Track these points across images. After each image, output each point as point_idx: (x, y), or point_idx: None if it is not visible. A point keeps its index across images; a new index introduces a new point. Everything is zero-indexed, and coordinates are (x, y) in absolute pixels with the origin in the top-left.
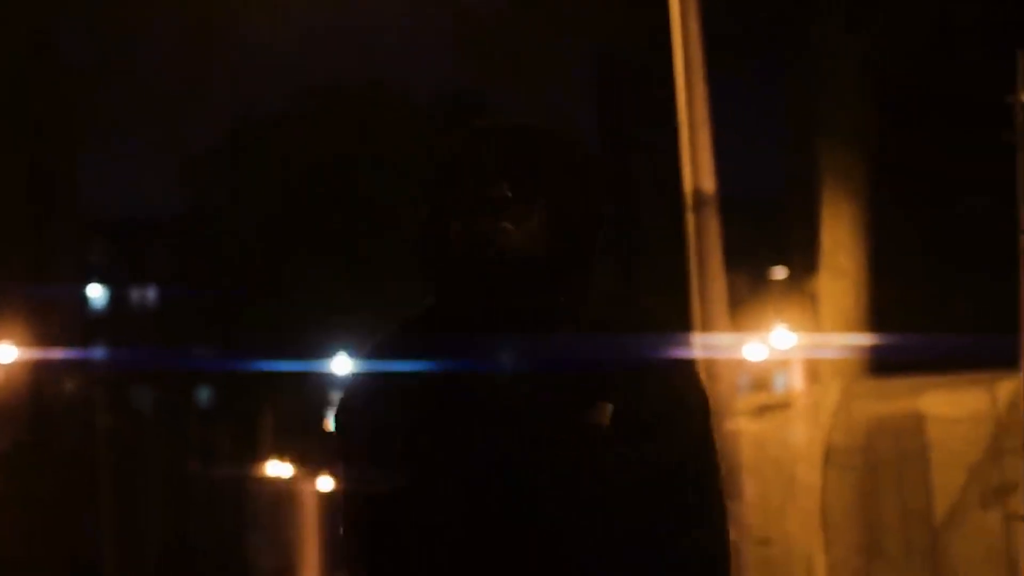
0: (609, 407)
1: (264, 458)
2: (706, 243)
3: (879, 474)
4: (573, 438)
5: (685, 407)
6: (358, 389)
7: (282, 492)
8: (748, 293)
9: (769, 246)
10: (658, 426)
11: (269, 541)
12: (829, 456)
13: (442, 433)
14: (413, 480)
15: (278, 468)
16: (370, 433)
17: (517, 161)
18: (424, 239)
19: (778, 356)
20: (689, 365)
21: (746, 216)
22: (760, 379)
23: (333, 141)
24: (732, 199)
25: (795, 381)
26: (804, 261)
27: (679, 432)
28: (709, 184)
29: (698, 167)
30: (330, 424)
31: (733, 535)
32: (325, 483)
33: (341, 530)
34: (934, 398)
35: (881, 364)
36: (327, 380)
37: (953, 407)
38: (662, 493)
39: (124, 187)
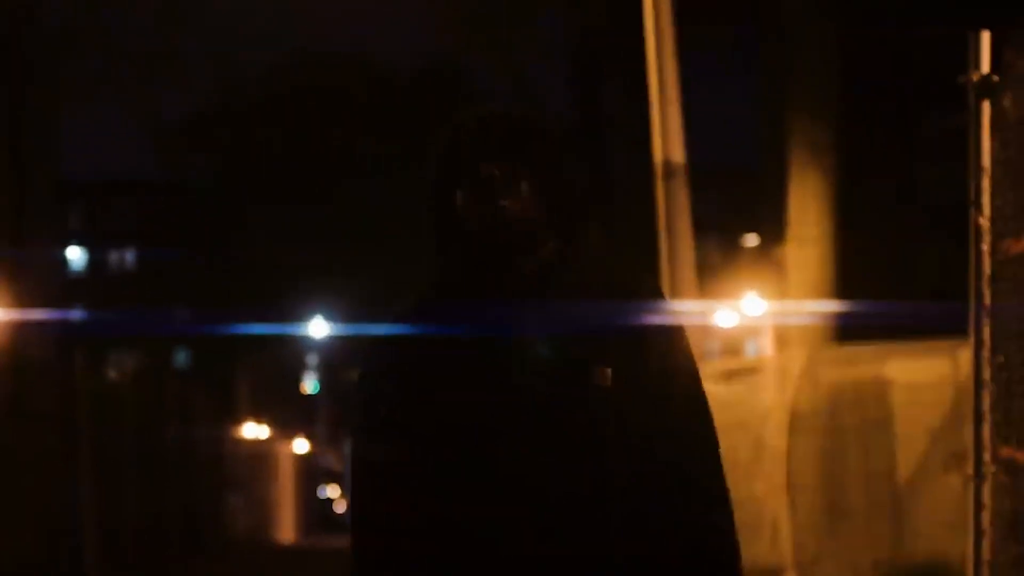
0: (609, 371)
1: (241, 420)
2: (675, 212)
3: (844, 438)
4: (580, 399)
5: (675, 369)
6: (377, 359)
7: (259, 453)
8: (721, 260)
9: (744, 214)
10: (652, 387)
11: (246, 501)
12: (794, 420)
13: (457, 397)
14: (428, 448)
15: (255, 430)
16: (389, 401)
17: (505, 144)
18: (434, 216)
19: (749, 322)
20: (679, 330)
21: (722, 185)
22: (732, 345)
23: (311, 108)
24: (709, 168)
25: (765, 347)
26: (775, 230)
27: (671, 392)
28: (678, 155)
29: (668, 138)
30: (306, 388)
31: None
32: (300, 445)
33: (349, 490)
34: (898, 364)
35: (846, 331)
36: (303, 343)
37: (916, 373)
38: (658, 449)
39: (102, 151)
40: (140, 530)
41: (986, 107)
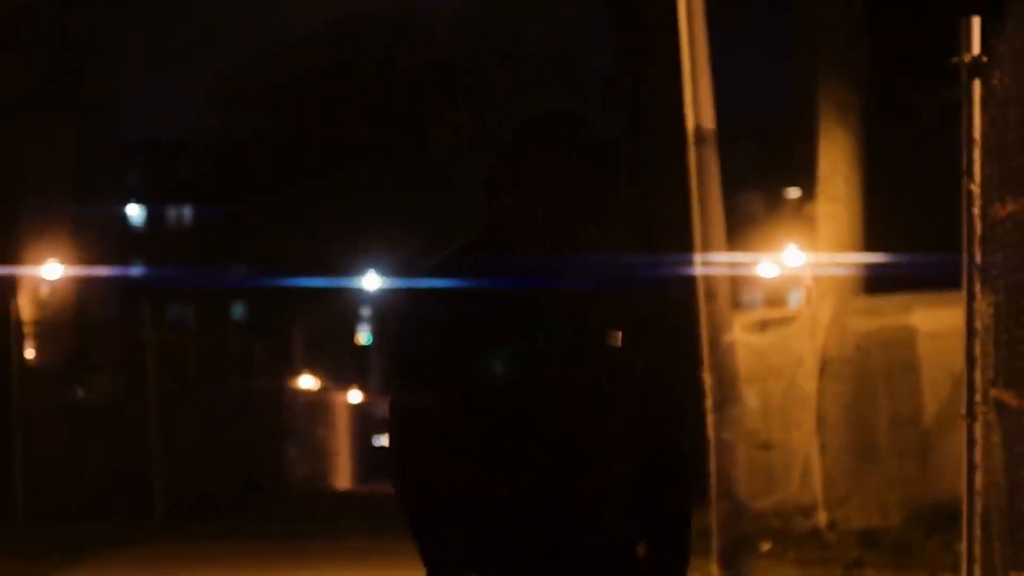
0: (620, 334)
1: (297, 372)
2: (706, 176)
3: (871, 383)
4: (598, 358)
5: (667, 328)
6: (417, 307)
7: (315, 404)
8: (764, 213)
9: (787, 168)
10: (650, 344)
11: (303, 450)
12: (824, 367)
13: (489, 348)
14: (462, 394)
15: (310, 381)
16: (427, 349)
17: (552, 144)
18: (492, 188)
19: (789, 273)
20: (669, 304)
21: (767, 139)
22: (776, 295)
23: (360, 67)
24: (753, 124)
25: (804, 298)
26: (811, 185)
27: (662, 358)
28: (709, 121)
29: (699, 105)
30: (360, 339)
31: (731, 438)
32: (355, 396)
33: (389, 440)
34: (922, 313)
35: (874, 283)
36: (357, 296)
37: (940, 321)
38: (652, 394)
39: (158, 111)
40: (203, 477)
41: (976, 85)
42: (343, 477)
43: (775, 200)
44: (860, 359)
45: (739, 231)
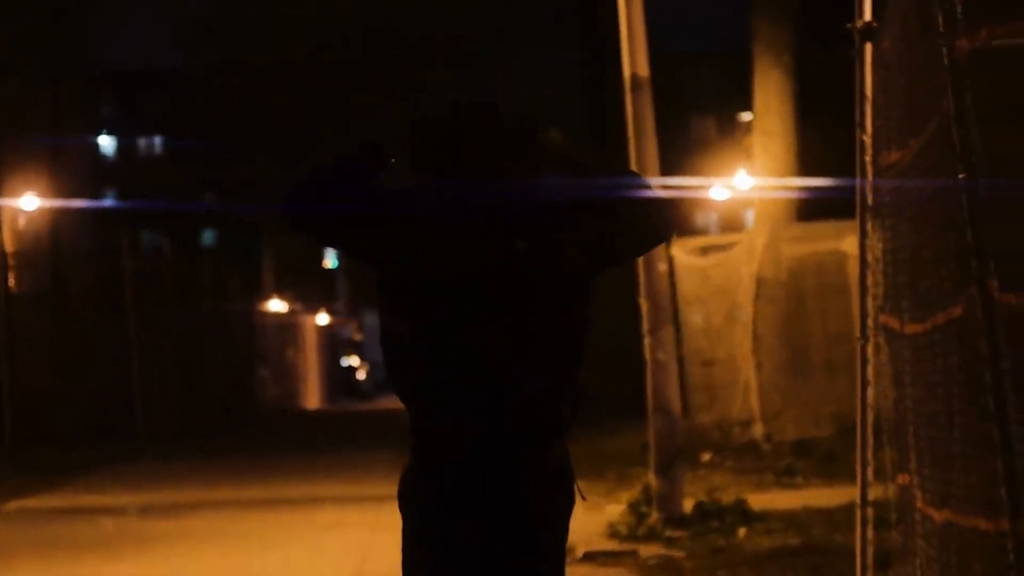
0: (525, 243)
1: (267, 296)
2: (641, 119)
3: (804, 305)
4: (511, 256)
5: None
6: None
7: (284, 326)
8: (718, 137)
9: (742, 93)
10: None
11: (275, 372)
12: (759, 290)
13: (439, 259)
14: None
15: (279, 304)
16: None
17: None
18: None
19: (739, 197)
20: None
21: (721, 65)
22: (732, 218)
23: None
24: (709, 49)
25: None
26: None
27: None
28: (643, 69)
29: (635, 54)
30: (327, 263)
31: (665, 358)
32: (322, 318)
33: (386, 361)
34: (853, 239)
35: (808, 210)
36: None
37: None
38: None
39: (127, 42)
40: (181, 399)
41: (868, 48)
42: (312, 397)
43: (730, 123)
44: (793, 282)
45: (694, 154)
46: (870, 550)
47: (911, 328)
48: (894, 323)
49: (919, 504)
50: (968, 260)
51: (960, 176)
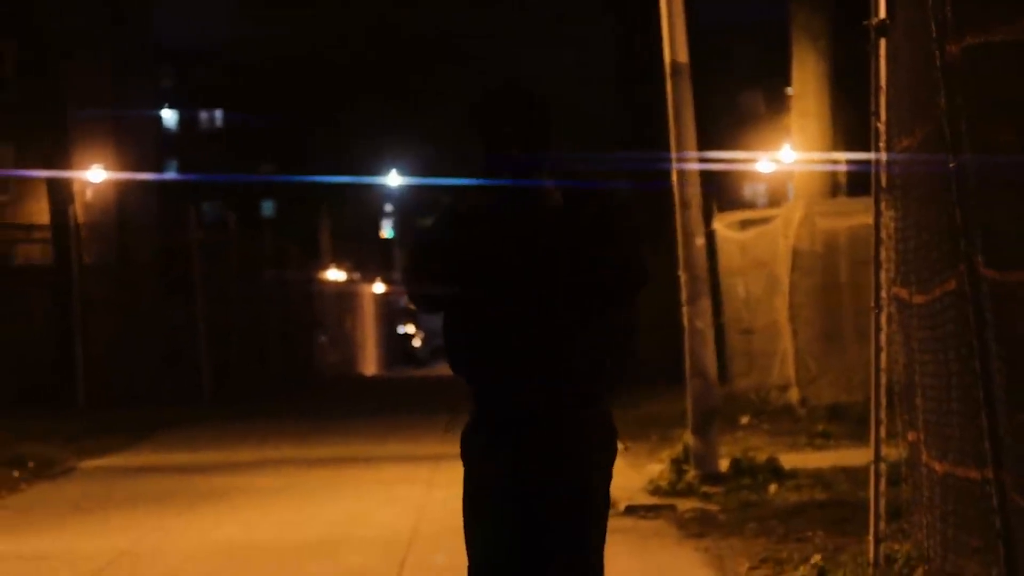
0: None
1: (325, 265)
2: (681, 103)
3: (838, 276)
4: (562, 251)
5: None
6: (441, 227)
7: (342, 295)
8: (765, 111)
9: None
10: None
11: (332, 338)
12: (795, 262)
13: (490, 256)
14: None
15: (337, 274)
16: (441, 258)
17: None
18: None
19: (784, 170)
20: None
21: (769, 39)
22: (778, 188)
23: None
24: (757, 23)
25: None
26: None
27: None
28: (683, 55)
29: (675, 42)
30: (384, 233)
31: (702, 326)
32: (379, 287)
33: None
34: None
35: (843, 187)
36: (380, 193)
37: None
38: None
39: (186, 17)
40: (245, 364)
41: (883, 44)
42: (370, 364)
43: (779, 96)
44: (828, 254)
45: (744, 128)
46: (883, 502)
47: (917, 299)
48: (904, 294)
49: (925, 458)
50: (958, 239)
51: (951, 164)
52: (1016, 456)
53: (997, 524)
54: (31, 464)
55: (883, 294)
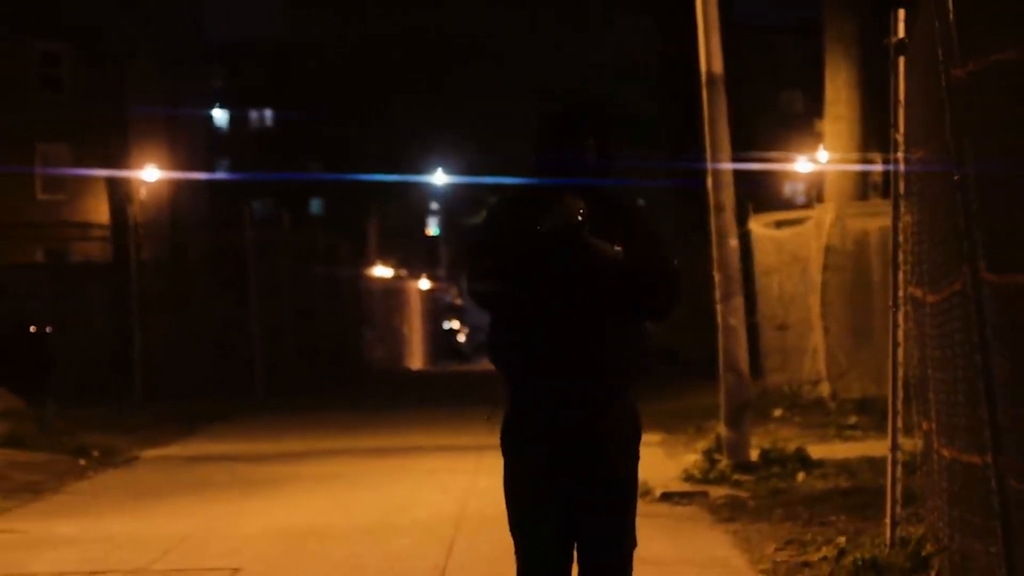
0: (620, 249)
1: (372, 262)
2: (715, 112)
3: (868, 275)
4: (608, 260)
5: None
6: (489, 221)
7: (389, 291)
8: (804, 111)
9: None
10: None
11: (380, 333)
12: (827, 261)
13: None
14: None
15: (384, 270)
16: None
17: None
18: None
19: (822, 169)
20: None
21: (810, 38)
22: (816, 187)
23: None
24: (797, 23)
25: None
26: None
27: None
28: (718, 66)
29: (710, 54)
30: (430, 231)
31: (735, 323)
32: (425, 283)
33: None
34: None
35: (872, 189)
36: (426, 191)
37: None
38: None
39: (234, 15)
40: (296, 359)
41: (901, 61)
42: (416, 358)
43: (819, 97)
44: (858, 254)
45: (785, 128)
46: (899, 488)
47: (930, 298)
48: (919, 293)
49: (935, 446)
50: (962, 243)
51: (955, 177)
52: (1014, 444)
53: (996, 505)
54: (95, 453)
55: (900, 293)
